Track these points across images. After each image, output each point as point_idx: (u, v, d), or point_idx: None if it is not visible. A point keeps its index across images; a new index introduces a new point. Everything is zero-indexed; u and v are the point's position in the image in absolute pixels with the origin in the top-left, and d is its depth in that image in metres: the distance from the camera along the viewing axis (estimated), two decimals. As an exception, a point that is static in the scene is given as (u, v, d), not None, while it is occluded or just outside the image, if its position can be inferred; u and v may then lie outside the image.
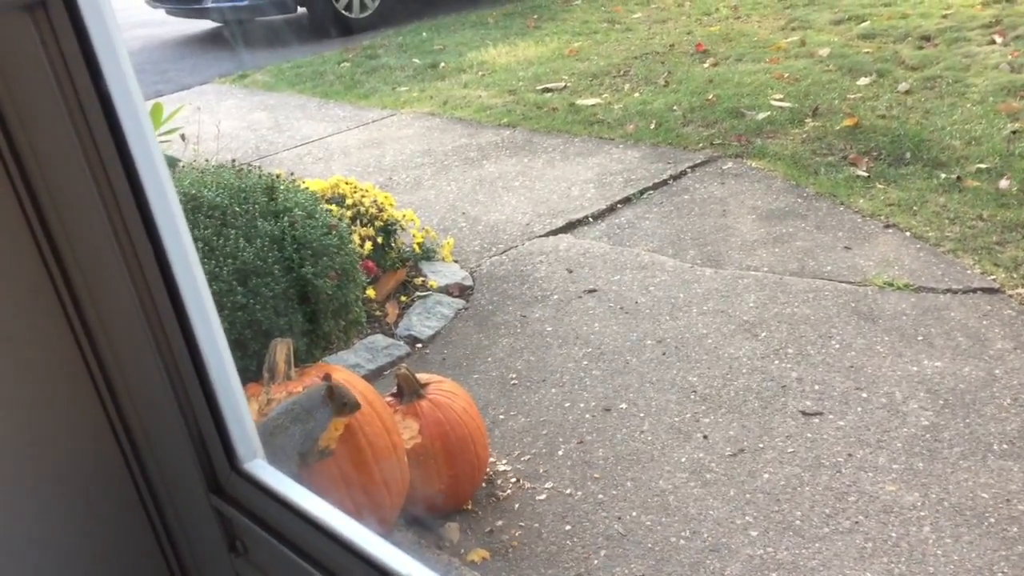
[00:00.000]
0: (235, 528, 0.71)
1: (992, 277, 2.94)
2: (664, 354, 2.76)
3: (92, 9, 0.64)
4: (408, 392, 2.21)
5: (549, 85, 5.53)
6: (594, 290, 3.17)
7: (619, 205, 3.82)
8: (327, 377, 1.93)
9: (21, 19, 0.65)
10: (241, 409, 0.69)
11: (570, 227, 3.69)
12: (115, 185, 0.67)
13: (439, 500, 2.21)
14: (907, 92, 4.60)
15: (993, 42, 5.16)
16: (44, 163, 0.68)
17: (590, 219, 3.72)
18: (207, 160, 3.02)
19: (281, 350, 2.08)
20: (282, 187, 2.65)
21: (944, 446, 2.24)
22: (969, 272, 2.99)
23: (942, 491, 2.10)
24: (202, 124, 4.94)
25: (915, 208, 3.44)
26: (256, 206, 2.49)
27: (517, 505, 2.25)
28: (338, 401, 1.89)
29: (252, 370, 2.25)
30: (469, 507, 2.25)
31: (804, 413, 2.43)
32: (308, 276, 2.46)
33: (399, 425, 2.15)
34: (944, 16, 5.80)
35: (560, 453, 2.40)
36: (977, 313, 2.77)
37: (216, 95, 6.30)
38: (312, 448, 1.83)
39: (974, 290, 2.89)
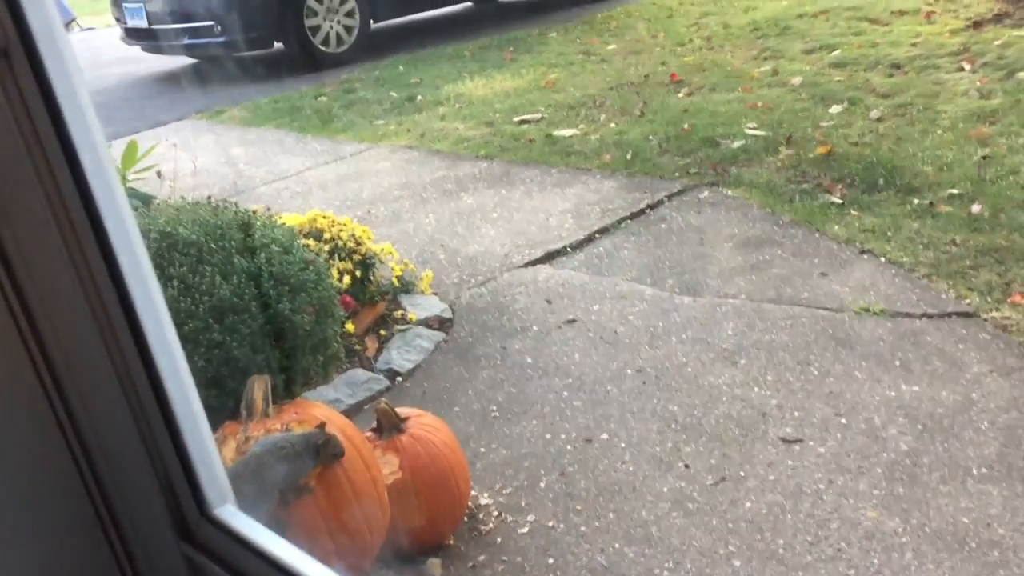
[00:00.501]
0: (205, 575, 0.70)
1: (967, 301, 2.96)
2: (644, 383, 2.76)
3: (54, 57, 0.64)
4: (388, 427, 2.20)
5: (526, 117, 5.57)
6: (573, 320, 3.17)
7: (597, 235, 3.84)
8: (322, 425, 1.91)
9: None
10: (210, 453, 0.68)
11: (548, 257, 3.69)
12: (79, 230, 0.66)
13: (421, 535, 2.19)
14: (879, 119, 4.66)
15: (962, 69, 5.25)
16: (6, 210, 0.68)
17: (568, 249, 3.74)
18: (183, 197, 3.01)
19: (259, 387, 2.07)
20: (259, 223, 2.64)
21: (924, 471, 2.25)
22: (944, 296, 3.01)
23: (923, 516, 2.11)
24: (179, 160, 4.92)
25: (889, 234, 3.47)
26: (232, 243, 2.48)
27: (499, 539, 2.23)
28: (328, 452, 1.89)
29: (230, 408, 2.22)
30: (451, 542, 2.23)
31: (784, 440, 2.43)
32: (285, 312, 2.45)
33: (379, 460, 2.13)
34: (913, 44, 5.89)
35: (542, 485, 2.39)
36: (953, 337, 2.79)
37: (193, 131, 6.30)
38: (294, 487, 1.81)
39: (949, 314, 2.91)
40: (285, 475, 1.80)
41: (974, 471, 2.23)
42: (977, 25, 6.05)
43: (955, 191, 3.71)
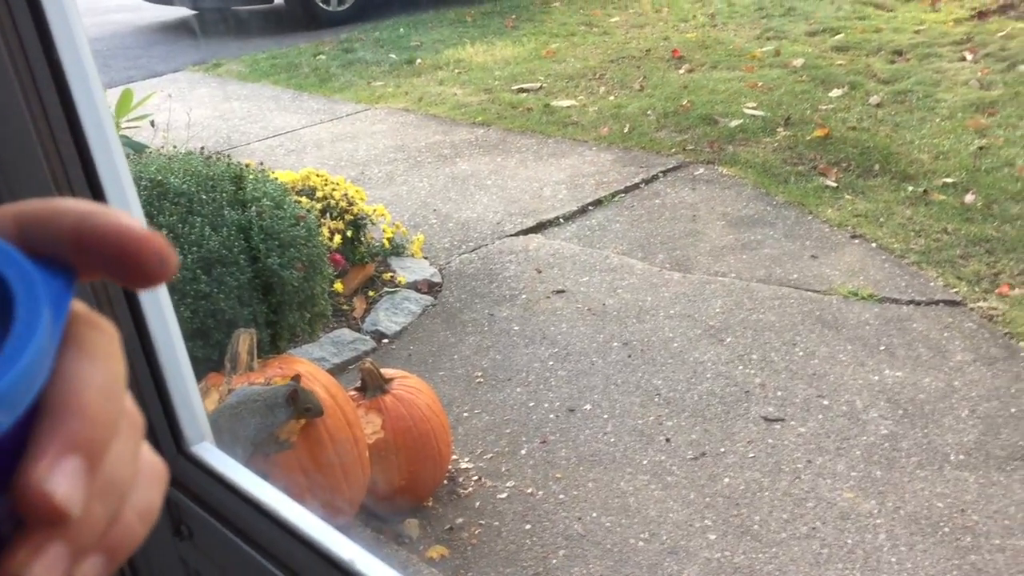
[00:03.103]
0: (180, 511, 0.70)
1: (955, 290, 2.97)
2: (630, 356, 2.77)
3: (53, 1, 0.63)
4: (372, 387, 2.20)
5: (525, 85, 5.53)
6: (562, 291, 3.17)
7: (590, 207, 3.83)
8: (296, 378, 1.91)
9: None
10: (190, 391, 0.67)
11: (541, 227, 3.69)
12: (71, 175, 0.66)
13: (400, 496, 2.20)
14: (878, 105, 4.64)
15: (964, 59, 5.23)
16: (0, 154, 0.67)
17: (561, 220, 3.73)
18: (175, 147, 2.99)
19: (244, 340, 2.07)
20: (251, 177, 2.63)
21: (902, 455, 2.27)
22: (932, 284, 3.02)
23: (898, 500, 2.13)
24: (173, 112, 4.89)
25: (882, 220, 3.47)
26: (223, 195, 2.47)
27: (478, 503, 2.24)
28: (301, 405, 1.88)
29: (214, 360, 2.22)
30: (430, 504, 2.24)
31: (766, 419, 2.44)
32: (274, 267, 2.44)
33: (362, 420, 2.14)
34: (917, 32, 5.86)
35: (523, 452, 2.40)
36: (939, 325, 2.80)
37: (189, 83, 6.24)
38: (269, 440, 1.81)
39: (937, 302, 2.92)
40: (257, 427, 1.81)
41: (952, 457, 2.25)
42: (982, 15, 6.03)
43: (950, 180, 3.71)
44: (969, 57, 5.23)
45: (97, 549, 0.24)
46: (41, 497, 0.22)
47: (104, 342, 0.26)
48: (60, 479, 0.22)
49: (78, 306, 0.26)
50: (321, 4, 7.64)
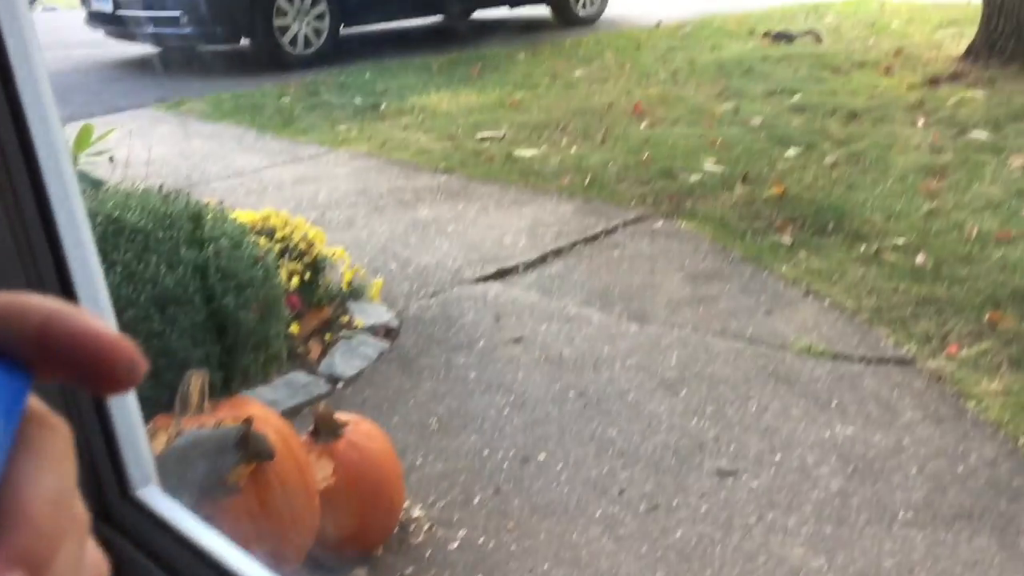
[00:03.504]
0: (122, 559, 0.68)
1: (905, 349, 3.02)
2: (585, 407, 2.77)
3: (14, 34, 0.62)
4: (325, 431, 2.17)
5: (488, 134, 5.58)
6: (520, 339, 3.17)
7: (550, 256, 3.85)
8: (248, 421, 1.88)
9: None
10: (137, 433, 0.66)
11: (500, 275, 3.69)
12: (21, 198, 0.65)
13: (349, 544, 2.17)
14: (833, 165, 4.75)
15: (916, 123, 5.38)
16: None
17: (521, 268, 3.74)
18: (134, 184, 2.96)
19: (196, 381, 2.03)
20: (210, 215, 2.61)
21: (852, 512, 2.28)
22: (883, 343, 3.07)
23: (848, 557, 2.14)
24: (133, 148, 4.85)
25: (835, 277, 3.53)
26: (181, 233, 2.45)
27: (429, 552, 2.21)
28: (251, 448, 1.85)
29: (164, 400, 2.18)
30: (380, 553, 2.21)
31: (719, 472, 2.45)
32: (230, 307, 2.41)
33: (313, 465, 2.10)
34: (871, 96, 6.03)
35: (476, 501, 2.38)
36: (889, 383, 2.84)
37: (150, 120, 6.21)
38: (218, 484, 1.78)
39: (887, 360, 2.97)
40: (206, 471, 1.77)
41: (900, 515, 2.27)
42: (933, 82, 6.22)
43: (901, 241, 3.79)
44: (921, 122, 5.39)
45: None
46: None
47: (58, 444, 0.25)
48: None
49: (33, 404, 0.26)
50: (287, 47, 7.67)
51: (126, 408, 0.64)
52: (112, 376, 0.26)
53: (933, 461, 2.46)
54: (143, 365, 0.26)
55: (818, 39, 7.89)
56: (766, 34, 8.07)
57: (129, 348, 0.26)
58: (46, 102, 0.67)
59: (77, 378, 0.26)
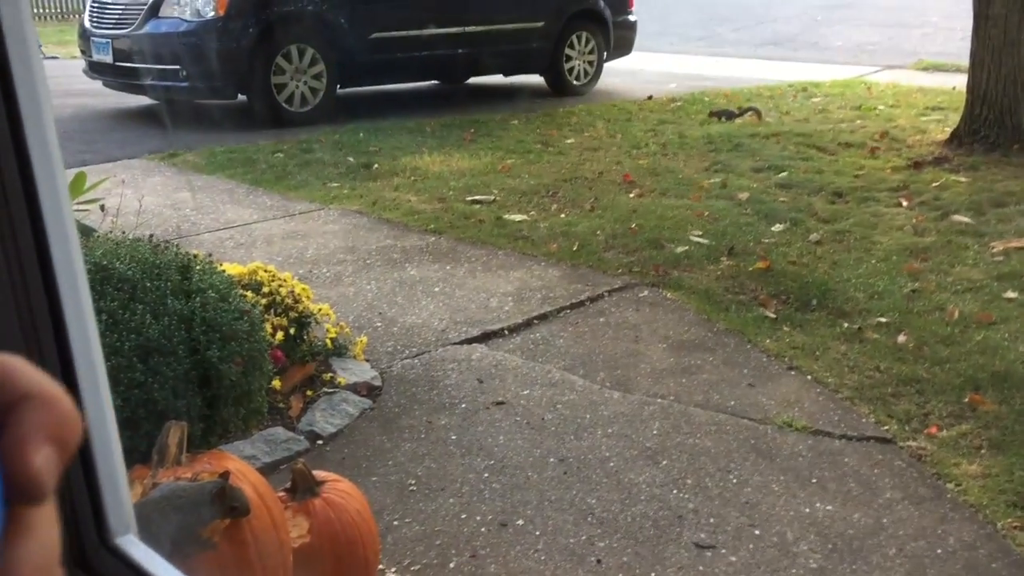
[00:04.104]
0: (96, 608, 0.67)
1: (885, 428, 3.03)
2: (566, 473, 2.76)
3: (25, 81, 0.64)
4: (302, 489, 2.15)
5: (479, 197, 5.64)
6: (502, 402, 3.17)
7: (535, 321, 3.87)
8: (225, 475, 1.87)
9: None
10: (118, 479, 0.66)
11: (485, 337, 3.70)
12: (20, 242, 0.66)
13: (321, 605, 2.13)
14: (817, 242, 4.81)
15: (900, 205, 5.47)
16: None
17: (506, 331, 3.75)
18: (124, 233, 2.97)
19: (175, 433, 2.02)
20: (198, 267, 2.62)
21: (830, 590, 2.27)
22: (864, 421, 3.08)
23: (826, 635, 2.11)
24: (125, 198, 4.87)
25: (818, 353, 3.55)
26: (169, 283, 2.45)
27: (401, 617, 2.18)
28: (227, 503, 1.83)
29: (141, 451, 2.16)
30: (351, 615, 2.17)
31: (698, 545, 2.43)
32: (213, 360, 2.41)
33: (289, 522, 2.08)
34: (856, 176, 6.14)
35: (452, 565, 2.35)
36: (869, 461, 2.84)
37: (143, 171, 6.24)
38: (192, 539, 1.75)
39: (868, 438, 2.97)
40: (180, 524, 1.75)
41: (878, 595, 2.25)
42: (918, 165, 6.34)
43: (883, 319, 3.83)
44: (905, 204, 5.48)
45: None
46: None
47: (44, 515, 0.27)
48: None
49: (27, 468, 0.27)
50: (284, 104, 7.76)
51: (109, 455, 0.64)
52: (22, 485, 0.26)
53: (912, 542, 2.45)
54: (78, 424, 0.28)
55: (759, 116, 8.09)
56: (711, 113, 8.28)
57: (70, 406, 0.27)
58: (53, 150, 0.69)
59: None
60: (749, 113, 8.19)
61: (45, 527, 0.26)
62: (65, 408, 0.27)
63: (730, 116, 8.12)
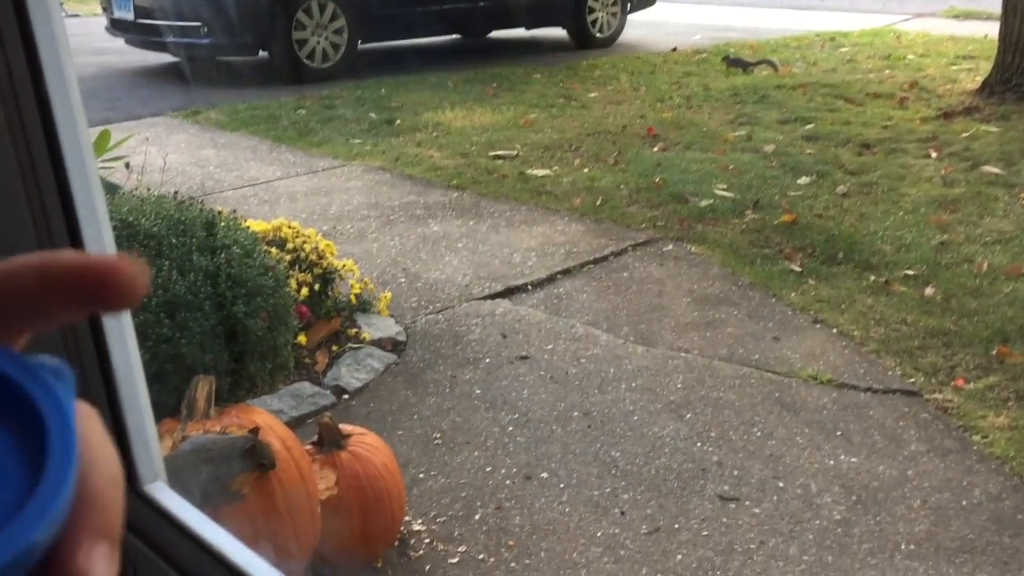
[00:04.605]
0: (129, 553, 0.68)
1: (911, 380, 3.01)
2: (589, 427, 2.77)
3: (46, 37, 0.64)
4: (329, 442, 2.18)
5: (501, 152, 5.61)
6: (526, 357, 3.18)
7: (559, 276, 3.86)
8: (255, 431, 1.89)
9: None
10: (148, 430, 0.67)
11: (508, 292, 3.70)
12: (46, 198, 0.66)
13: (349, 555, 2.17)
14: (844, 195, 4.76)
15: (929, 156, 5.38)
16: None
17: (529, 287, 3.75)
18: (149, 190, 2.98)
19: (203, 387, 2.04)
20: (222, 224, 2.63)
21: (854, 541, 2.27)
22: (890, 373, 3.06)
23: (849, 586, 2.13)
24: (149, 155, 4.89)
25: (843, 307, 3.53)
26: (194, 240, 2.46)
27: (428, 566, 2.21)
28: (256, 459, 1.86)
29: (171, 405, 2.19)
30: (379, 564, 2.21)
31: (721, 497, 2.44)
32: (239, 315, 2.43)
33: (316, 475, 2.11)
34: (884, 127, 6.04)
35: (477, 517, 2.37)
36: (895, 414, 2.83)
37: (166, 128, 6.26)
38: (220, 490, 1.78)
39: (894, 391, 2.96)
40: (209, 476, 1.78)
41: (902, 547, 2.26)
42: (948, 115, 6.23)
43: (911, 272, 3.79)
44: (934, 155, 5.39)
45: None
46: None
47: (99, 430, 0.28)
48: (98, 564, 0.25)
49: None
50: (306, 60, 7.72)
51: (137, 405, 0.65)
52: (121, 290, 0.27)
53: (937, 494, 2.45)
54: (145, 274, 0.28)
55: (774, 68, 7.94)
56: (724, 59, 8.14)
57: (127, 263, 0.27)
58: (75, 106, 0.69)
59: (89, 306, 0.28)
60: (764, 64, 8.04)
61: (107, 446, 0.28)
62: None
63: (745, 66, 7.98)
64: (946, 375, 3.03)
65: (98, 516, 0.26)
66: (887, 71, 7.90)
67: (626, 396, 2.94)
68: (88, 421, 0.27)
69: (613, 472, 2.55)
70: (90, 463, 0.27)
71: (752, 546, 2.26)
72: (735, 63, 8.03)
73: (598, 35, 9.66)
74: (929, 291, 3.62)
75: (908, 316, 3.43)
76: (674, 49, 9.28)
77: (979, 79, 6.94)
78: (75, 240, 0.67)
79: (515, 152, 5.62)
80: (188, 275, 2.36)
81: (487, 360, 3.16)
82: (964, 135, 5.72)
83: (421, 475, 2.54)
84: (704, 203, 4.63)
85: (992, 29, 7.59)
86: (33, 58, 0.63)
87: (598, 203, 4.69)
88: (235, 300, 2.43)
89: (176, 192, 3.08)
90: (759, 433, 2.73)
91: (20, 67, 0.63)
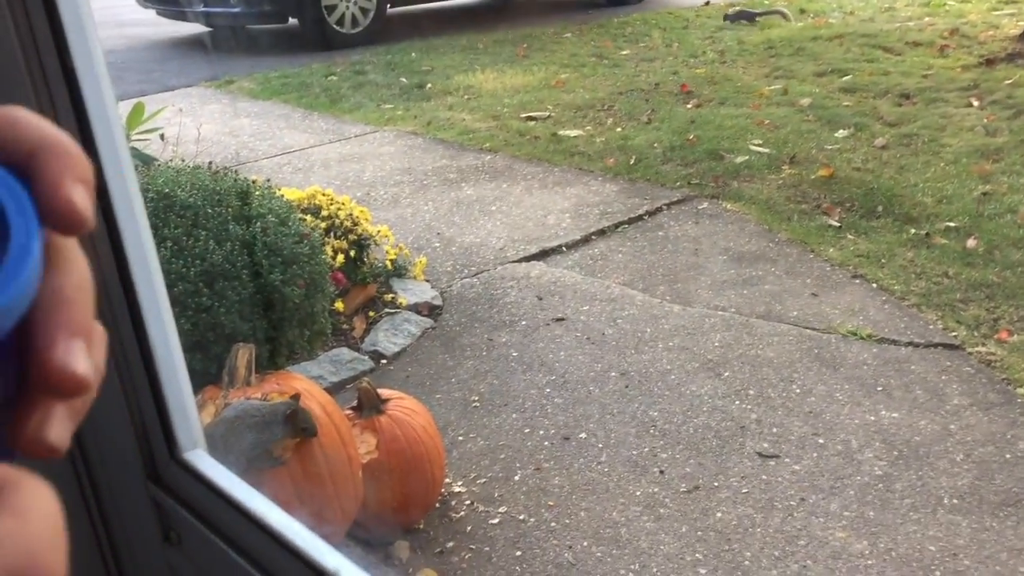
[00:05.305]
0: (170, 518, 0.70)
1: (953, 334, 2.97)
2: (627, 387, 2.77)
3: (70, 11, 0.64)
4: (368, 406, 2.20)
5: (533, 114, 5.57)
6: (562, 319, 3.18)
7: (594, 237, 3.84)
8: (296, 397, 1.92)
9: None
10: (185, 399, 0.68)
11: (543, 255, 3.70)
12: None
13: (391, 517, 2.20)
14: (883, 147, 4.67)
15: (970, 105, 5.26)
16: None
17: (564, 248, 3.74)
18: (184, 161, 3.01)
19: (243, 355, 2.07)
20: (257, 192, 2.65)
21: (896, 497, 2.26)
22: (932, 327, 3.02)
23: (891, 541, 2.12)
24: (183, 126, 4.92)
25: (883, 261, 3.48)
26: (229, 209, 2.48)
27: (469, 527, 2.24)
28: (298, 425, 1.89)
29: (212, 373, 2.23)
30: (421, 526, 2.24)
31: (761, 455, 2.44)
32: (276, 283, 2.45)
33: (356, 439, 2.13)
34: (924, 76, 5.91)
35: (516, 478, 2.39)
36: (937, 368, 2.80)
37: (200, 99, 6.29)
38: (264, 455, 1.81)
39: (935, 345, 2.93)
40: (252, 442, 1.81)
41: (945, 501, 2.24)
42: (990, 63, 6.07)
43: (952, 224, 3.72)
44: (976, 103, 5.27)
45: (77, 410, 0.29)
46: (67, 375, 0.26)
47: (75, 246, 0.29)
48: (78, 358, 0.26)
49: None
50: (335, 26, 7.71)
51: (175, 374, 0.66)
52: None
53: (980, 447, 2.43)
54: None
55: (784, 18, 7.75)
56: (725, 17, 7.96)
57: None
58: (101, 78, 0.69)
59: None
60: (774, 14, 7.84)
61: (78, 255, 0.29)
62: (80, 152, 0.29)
63: (749, 18, 7.79)
64: (989, 328, 2.99)
65: (72, 314, 0.27)
66: (927, 18, 7.72)
67: (663, 356, 2.93)
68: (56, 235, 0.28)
69: (651, 431, 2.55)
70: (63, 269, 0.28)
71: (792, 503, 2.25)
72: (738, 17, 7.85)
73: (629, -9, 9.53)
74: (971, 243, 3.56)
75: (950, 269, 3.38)
76: (707, 3, 9.13)
77: (1023, 24, 6.75)
78: (107, 216, 0.68)
79: (547, 113, 5.58)
80: (225, 245, 2.38)
81: (523, 323, 3.16)
82: (1007, 82, 5.58)
83: (460, 437, 2.57)
84: (739, 159, 4.57)
85: (1036, -29, 7.37)
86: (58, 30, 0.63)
87: (632, 162, 4.66)
88: (272, 268, 2.45)
89: (211, 163, 3.10)
90: (798, 390, 2.72)
91: (46, 40, 0.64)
